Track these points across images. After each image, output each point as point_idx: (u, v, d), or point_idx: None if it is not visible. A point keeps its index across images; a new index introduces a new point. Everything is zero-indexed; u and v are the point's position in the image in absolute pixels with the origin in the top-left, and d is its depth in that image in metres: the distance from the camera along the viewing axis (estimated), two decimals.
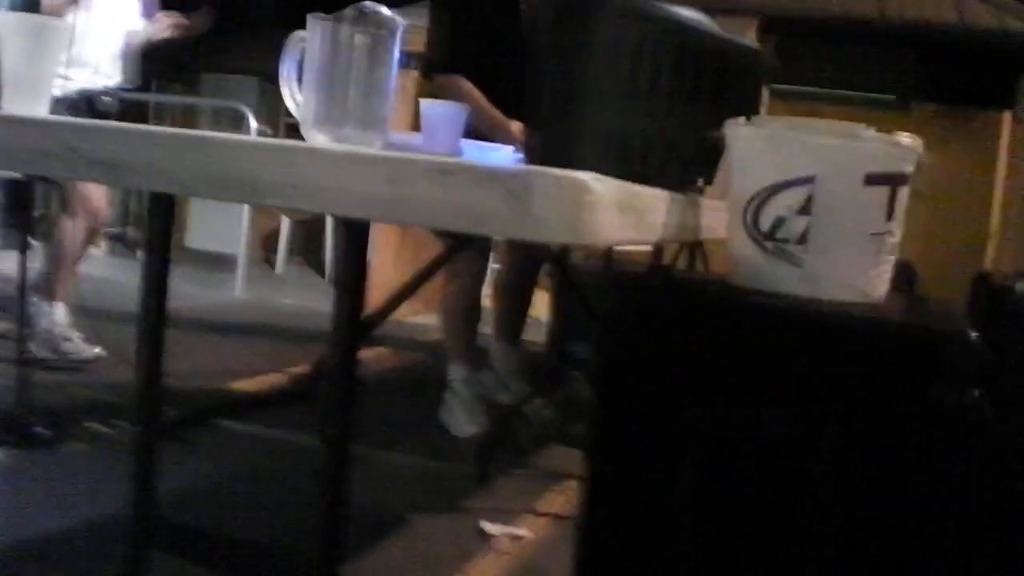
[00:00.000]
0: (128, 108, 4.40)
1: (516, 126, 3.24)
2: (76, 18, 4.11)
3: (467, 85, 3.45)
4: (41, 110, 1.71)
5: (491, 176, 1.14)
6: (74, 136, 1.38)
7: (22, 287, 3.15)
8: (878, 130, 1.66)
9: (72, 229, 4.23)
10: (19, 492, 2.77)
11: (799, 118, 1.71)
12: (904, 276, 3.81)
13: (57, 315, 4.23)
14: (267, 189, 1.24)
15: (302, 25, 1.69)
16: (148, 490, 1.83)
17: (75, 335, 4.20)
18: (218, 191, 1.27)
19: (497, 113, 3.33)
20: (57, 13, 3.94)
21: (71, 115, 3.97)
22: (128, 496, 1.86)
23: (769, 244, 1.65)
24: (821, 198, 1.60)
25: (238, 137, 1.30)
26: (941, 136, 7.71)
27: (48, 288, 4.25)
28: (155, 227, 1.60)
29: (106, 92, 4.25)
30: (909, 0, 8.31)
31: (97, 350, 4.19)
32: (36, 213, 4.29)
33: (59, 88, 4.00)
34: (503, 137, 3.19)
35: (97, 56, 4.23)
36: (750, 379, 1.56)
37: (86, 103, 4.16)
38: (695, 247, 3.88)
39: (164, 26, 4.45)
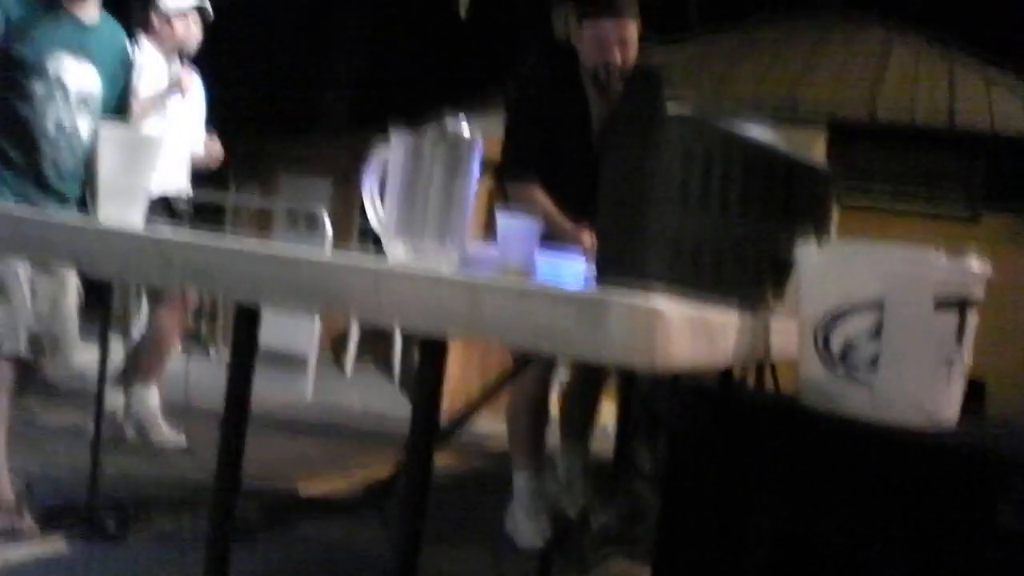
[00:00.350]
0: (203, 209, 4.59)
1: (586, 234, 3.29)
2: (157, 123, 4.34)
3: (538, 194, 3.51)
4: (136, 219, 1.79)
5: (568, 299, 1.18)
6: (169, 248, 1.45)
7: (102, 376, 3.22)
8: (948, 245, 1.68)
9: (167, 316, 4.51)
10: None
11: (867, 243, 1.74)
12: (973, 395, 3.77)
13: (151, 399, 4.42)
14: (354, 304, 1.29)
15: (375, 127, 1.76)
16: None
17: (163, 422, 4.35)
18: (307, 304, 1.33)
19: (566, 222, 3.38)
20: (144, 114, 4.14)
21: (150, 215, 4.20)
22: None
23: (839, 366, 1.66)
24: (891, 322, 1.62)
25: (327, 257, 1.36)
26: (1013, 247, 7.64)
27: (144, 373, 4.48)
28: (240, 336, 1.65)
29: (182, 196, 4.46)
30: (978, 108, 8.31)
31: (182, 439, 4.30)
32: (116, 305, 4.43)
33: None
34: (572, 245, 3.24)
35: (169, 162, 4.39)
36: (816, 496, 1.57)
37: (163, 205, 4.32)
38: (764, 365, 3.88)
39: (211, 156, 4.74)
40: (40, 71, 3.18)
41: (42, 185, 3.23)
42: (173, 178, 4.47)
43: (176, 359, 7.71)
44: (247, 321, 1.60)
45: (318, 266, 1.32)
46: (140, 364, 4.50)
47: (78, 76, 3.27)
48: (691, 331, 1.26)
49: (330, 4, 15.08)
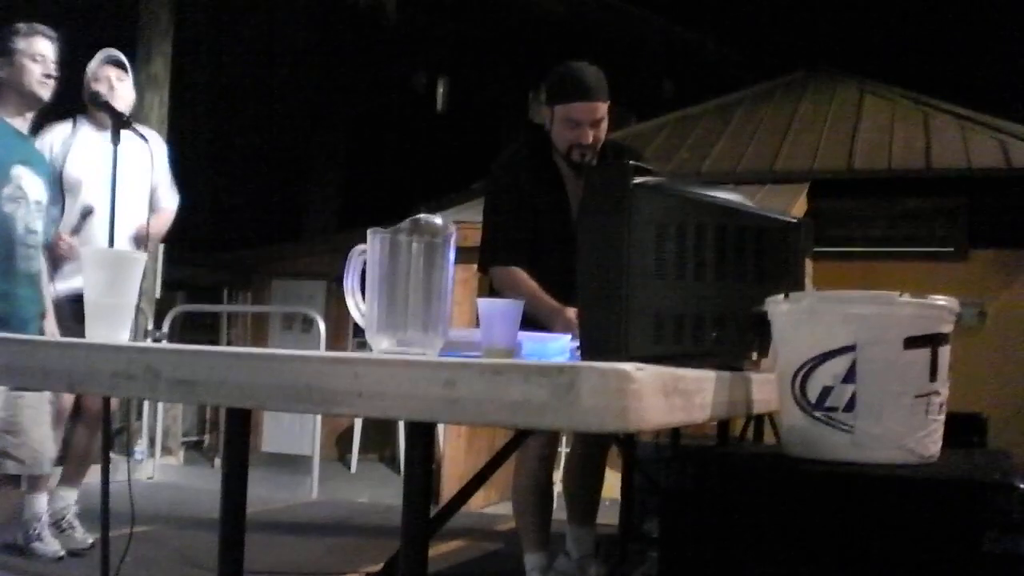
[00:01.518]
0: (199, 318, 4.60)
1: (571, 311, 3.33)
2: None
3: (521, 275, 3.56)
4: (123, 336, 1.83)
5: (540, 371, 1.22)
6: (155, 359, 1.49)
7: (105, 500, 3.25)
8: (939, 283, 1.73)
9: (82, 431, 4.52)
10: None
11: (835, 291, 1.79)
12: (975, 428, 3.80)
13: (69, 500, 4.47)
14: (335, 399, 1.33)
15: (364, 229, 1.81)
16: None
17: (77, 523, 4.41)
18: (290, 404, 1.36)
19: (551, 300, 3.43)
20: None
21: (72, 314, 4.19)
22: None
23: (818, 413, 1.70)
24: (864, 365, 1.66)
25: (305, 353, 1.40)
26: (1003, 280, 7.69)
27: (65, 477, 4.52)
28: (231, 438, 1.69)
29: None
30: (954, 148, 8.43)
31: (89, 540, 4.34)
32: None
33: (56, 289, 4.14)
34: (560, 323, 3.29)
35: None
36: (808, 543, 1.59)
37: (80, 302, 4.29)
38: (761, 419, 3.90)
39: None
40: (6, 177, 3.43)
41: (17, 282, 3.43)
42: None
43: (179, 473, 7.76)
44: (237, 421, 1.64)
45: (299, 363, 1.36)
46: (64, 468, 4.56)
47: (31, 184, 3.52)
48: (664, 391, 1.30)
49: (312, 113, 15.32)
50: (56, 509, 4.43)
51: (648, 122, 10.50)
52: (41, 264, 3.56)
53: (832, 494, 1.62)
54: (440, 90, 14.57)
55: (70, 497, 4.46)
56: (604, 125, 3.62)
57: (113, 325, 1.81)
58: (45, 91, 3.62)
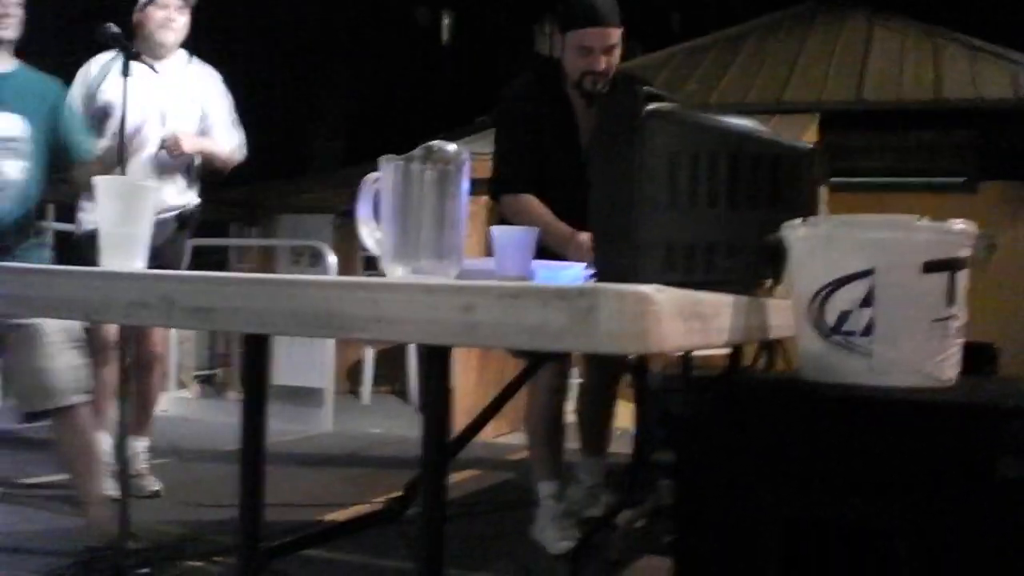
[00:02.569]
0: (206, 253, 4.51)
1: (583, 236, 3.32)
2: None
3: (533, 202, 3.56)
4: (138, 265, 1.83)
5: (558, 295, 1.21)
6: (170, 287, 1.49)
7: (123, 433, 3.28)
8: (948, 215, 1.72)
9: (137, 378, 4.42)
10: None
11: (852, 215, 1.78)
12: (985, 358, 3.81)
13: (137, 449, 4.47)
14: (352, 324, 1.33)
15: (369, 163, 1.80)
16: None
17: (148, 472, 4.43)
18: (307, 329, 1.36)
19: (564, 226, 3.42)
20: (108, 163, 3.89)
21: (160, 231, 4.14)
22: None
23: (836, 338, 1.70)
24: (881, 290, 1.66)
25: (323, 278, 1.40)
26: (1012, 213, 7.66)
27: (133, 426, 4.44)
28: (250, 366, 1.70)
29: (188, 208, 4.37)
30: (964, 80, 8.35)
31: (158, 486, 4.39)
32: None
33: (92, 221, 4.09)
34: (572, 249, 3.28)
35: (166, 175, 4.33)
36: (824, 469, 1.60)
37: (177, 219, 4.29)
38: (774, 346, 3.91)
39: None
40: None
41: None
42: (173, 192, 4.33)
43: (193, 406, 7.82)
44: (256, 348, 1.65)
45: (316, 288, 1.36)
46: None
47: None
48: (681, 314, 1.30)
49: (316, 48, 15.22)
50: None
51: (655, 54, 10.41)
52: (10, 203, 3.44)
53: (849, 419, 1.62)
54: (444, 22, 14.43)
55: (138, 446, 4.49)
56: (617, 53, 3.59)
57: (127, 254, 1.81)
58: (4, 30, 3.47)
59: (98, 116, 4.24)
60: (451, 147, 1.84)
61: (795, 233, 1.81)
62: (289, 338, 8.06)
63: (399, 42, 16.07)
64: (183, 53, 4.49)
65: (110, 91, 4.23)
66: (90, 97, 4.27)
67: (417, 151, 1.78)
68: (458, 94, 13.88)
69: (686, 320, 1.31)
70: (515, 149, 3.66)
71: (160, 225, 3.99)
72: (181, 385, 8.19)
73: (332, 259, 7.32)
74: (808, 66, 9.25)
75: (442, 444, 1.53)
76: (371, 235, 1.85)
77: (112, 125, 4.14)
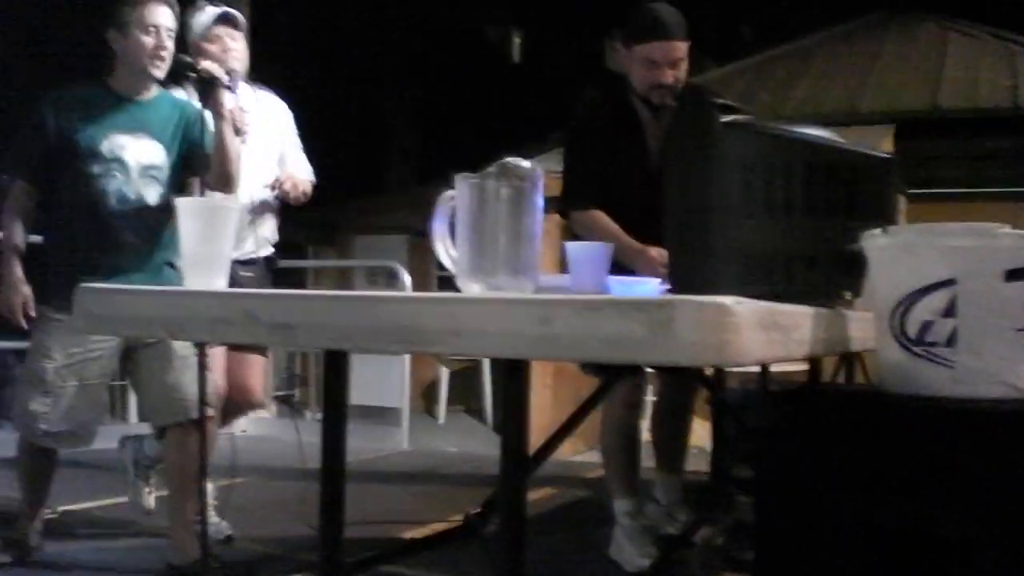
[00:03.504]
0: (283, 274, 4.47)
1: (654, 251, 3.31)
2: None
3: (602, 217, 3.55)
4: (221, 284, 1.86)
5: (636, 307, 1.21)
6: (253, 304, 1.51)
7: (203, 452, 3.32)
8: (1022, 226, 1.69)
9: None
10: None
11: (933, 224, 1.75)
12: None
13: None
14: (431, 339, 1.34)
15: (443, 183, 1.81)
16: None
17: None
18: (387, 344, 1.37)
19: (633, 241, 3.40)
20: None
21: (249, 275, 4.09)
22: None
23: (918, 348, 1.68)
24: (964, 299, 1.63)
25: (402, 294, 1.41)
26: None
27: None
28: (331, 383, 1.71)
29: (244, 263, 4.26)
30: None
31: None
32: None
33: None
34: (642, 264, 3.27)
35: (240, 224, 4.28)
36: (908, 481, 1.57)
37: (264, 265, 4.25)
38: (852, 360, 3.86)
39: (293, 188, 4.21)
40: (95, 153, 3.41)
41: (118, 254, 3.43)
42: (260, 238, 4.14)
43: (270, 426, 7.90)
44: (336, 364, 1.66)
45: (395, 304, 1.37)
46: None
47: (137, 151, 3.48)
48: (761, 325, 1.29)
49: (388, 70, 15.36)
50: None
51: (726, 67, 10.34)
52: (147, 231, 3.50)
53: (933, 430, 1.60)
54: (515, 41, 14.48)
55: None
56: (684, 66, 3.58)
57: (210, 273, 1.84)
58: (158, 70, 3.50)
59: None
60: (525, 164, 1.84)
61: (875, 243, 1.78)
62: (365, 358, 8.13)
63: (470, 62, 16.17)
64: (246, 85, 4.30)
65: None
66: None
67: (492, 168, 1.79)
68: (530, 112, 13.92)
69: (766, 331, 1.30)
70: (582, 164, 3.67)
71: (254, 265, 4.10)
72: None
73: (407, 279, 7.36)
74: (882, 75, 9.12)
75: (521, 458, 1.53)
76: (447, 252, 1.86)
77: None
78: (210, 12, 4.18)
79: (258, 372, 4.25)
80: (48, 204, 3.50)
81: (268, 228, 4.26)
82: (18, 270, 3.44)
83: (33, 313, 3.41)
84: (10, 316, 3.42)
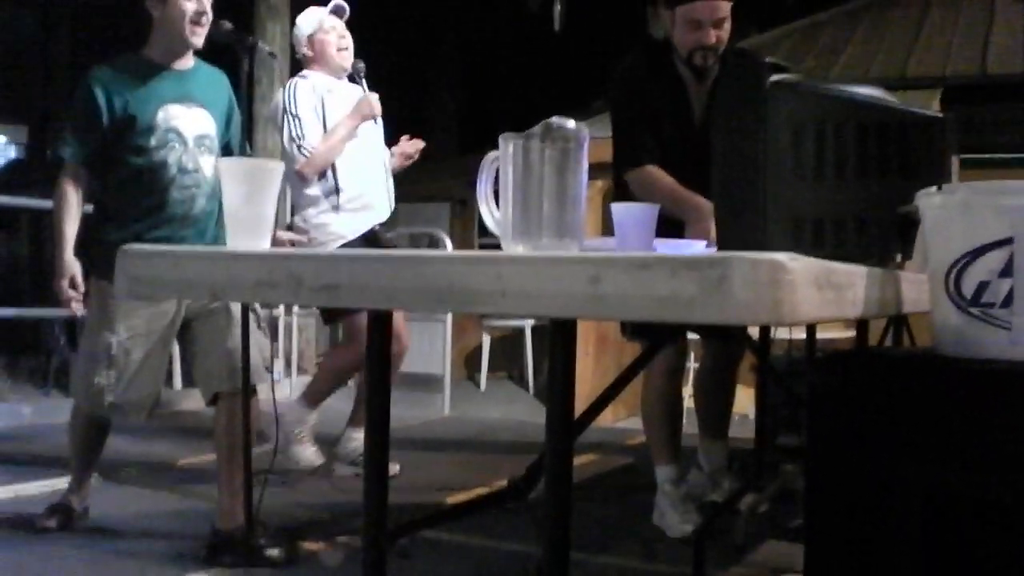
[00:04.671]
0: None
1: (708, 204, 3.26)
2: (345, 156, 4.50)
3: (657, 172, 3.52)
4: (264, 245, 1.85)
5: (688, 264, 1.18)
6: (297, 265, 1.50)
7: (246, 417, 3.34)
8: None
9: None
10: None
11: (990, 181, 1.70)
12: None
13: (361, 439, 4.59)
14: (477, 299, 1.32)
15: (485, 150, 1.79)
16: None
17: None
18: (433, 304, 1.35)
19: (692, 195, 3.35)
20: (334, 151, 4.41)
21: (391, 235, 4.70)
22: None
23: (974, 310, 1.63)
24: (1022, 259, 1.59)
25: (448, 252, 1.39)
26: None
27: (354, 419, 4.77)
28: (376, 344, 1.70)
29: (383, 224, 4.67)
30: None
31: (396, 468, 4.46)
32: None
33: (349, 231, 4.45)
34: (698, 220, 3.23)
35: (372, 192, 4.61)
36: (963, 445, 1.54)
37: (368, 241, 4.54)
38: (900, 325, 3.81)
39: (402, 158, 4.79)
40: (151, 126, 3.39)
41: (179, 225, 3.44)
42: (387, 201, 4.68)
43: None
44: (380, 325, 1.65)
45: (441, 263, 1.35)
46: (354, 411, 4.80)
47: (190, 121, 3.47)
48: (816, 283, 1.25)
49: (429, 38, 15.31)
50: (349, 449, 4.73)
51: (771, 32, 10.22)
52: (206, 200, 3.52)
53: (989, 393, 1.56)
54: (556, 8, 14.37)
55: (358, 436, 4.65)
56: (727, 27, 3.54)
57: (253, 235, 1.83)
58: (197, 38, 3.49)
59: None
60: (570, 124, 1.81)
61: (930, 201, 1.74)
62: (407, 324, 8.13)
63: (512, 30, 16.07)
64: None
65: (335, 115, 4.52)
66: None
67: (536, 128, 1.76)
68: (572, 81, 13.83)
69: (820, 290, 1.27)
70: (633, 123, 3.64)
71: (387, 225, 4.67)
72: (303, 372, 8.33)
73: (449, 246, 7.37)
74: (929, 40, 8.99)
75: (568, 420, 1.51)
76: (491, 214, 1.83)
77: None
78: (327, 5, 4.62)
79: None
80: (103, 179, 3.49)
81: (389, 193, 4.72)
82: (69, 256, 3.43)
83: (81, 291, 3.41)
84: (59, 295, 3.43)
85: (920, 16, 9.59)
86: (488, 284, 1.31)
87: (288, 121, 4.44)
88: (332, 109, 4.52)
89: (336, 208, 4.44)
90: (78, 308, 3.44)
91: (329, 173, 4.45)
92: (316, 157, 4.32)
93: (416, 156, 4.76)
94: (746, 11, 3.65)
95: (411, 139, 4.79)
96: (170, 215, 3.44)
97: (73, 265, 3.41)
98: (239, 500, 3.35)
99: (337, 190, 4.46)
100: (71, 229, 3.43)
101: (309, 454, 4.64)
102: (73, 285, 3.40)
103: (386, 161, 4.68)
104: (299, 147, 4.35)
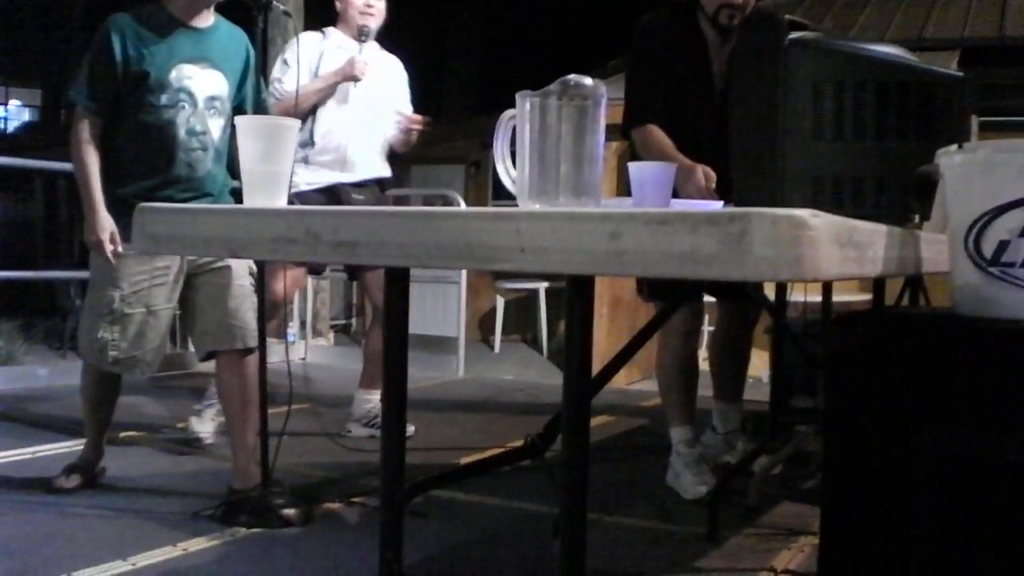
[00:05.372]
0: (378, 202, 4.68)
1: (701, 170, 3.25)
2: (328, 112, 4.51)
3: (656, 133, 3.50)
4: (281, 202, 1.85)
5: (709, 220, 1.18)
6: (315, 222, 1.50)
7: (263, 377, 3.34)
8: None
9: (378, 334, 4.71)
10: (267, 572, 2.92)
11: (1011, 140, 1.69)
12: None
13: (375, 400, 4.75)
14: (496, 255, 1.32)
15: (499, 113, 1.77)
16: (397, 557, 1.91)
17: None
18: (451, 260, 1.35)
19: (683, 158, 3.33)
20: (302, 103, 4.29)
21: (361, 197, 4.57)
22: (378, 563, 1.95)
23: (993, 269, 1.63)
24: None
25: (466, 209, 1.39)
26: None
27: (365, 379, 4.83)
28: (392, 301, 1.70)
29: (357, 185, 4.61)
30: None
31: (411, 429, 4.48)
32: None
33: (305, 183, 4.43)
34: (688, 182, 3.21)
35: (352, 151, 4.59)
36: (982, 406, 1.54)
37: (335, 195, 4.50)
38: (916, 287, 3.80)
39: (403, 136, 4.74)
40: (163, 84, 3.37)
41: (184, 187, 3.43)
42: (359, 169, 4.62)
43: (329, 354, 7.98)
44: (397, 286, 1.65)
45: (459, 219, 1.35)
46: (363, 373, 4.86)
47: (202, 81, 3.45)
48: (837, 240, 1.25)
49: (445, 1, 15.24)
50: (363, 411, 4.79)
51: None
52: (212, 163, 3.53)
53: (1009, 354, 1.55)
54: None
55: (373, 398, 4.74)
56: None
57: (270, 192, 1.83)
58: None
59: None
60: (588, 81, 1.79)
61: (951, 160, 1.73)
62: (422, 288, 8.15)
63: None
64: (375, 43, 4.76)
65: (327, 70, 4.54)
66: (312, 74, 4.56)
67: (553, 86, 1.75)
68: (588, 42, 13.76)
69: (841, 248, 1.26)
70: (645, 81, 3.61)
71: (365, 188, 4.59)
72: (317, 334, 8.36)
73: (463, 206, 7.36)
74: (947, 2, 8.91)
75: (585, 379, 1.51)
76: (507, 172, 1.82)
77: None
78: None
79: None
80: (111, 132, 3.47)
81: (379, 156, 4.69)
82: (104, 211, 3.39)
83: (120, 248, 3.39)
84: (98, 249, 3.39)
85: None
86: (507, 240, 1.30)
87: (278, 65, 4.53)
88: (328, 65, 4.54)
89: (305, 161, 4.45)
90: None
91: (307, 125, 4.46)
92: (284, 101, 4.28)
93: (412, 134, 4.72)
94: None
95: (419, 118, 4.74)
96: (175, 176, 3.43)
97: (109, 220, 3.39)
98: (254, 459, 3.37)
99: (311, 143, 4.48)
100: (99, 182, 3.41)
101: None
102: (113, 240, 3.38)
103: (387, 126, 4.67)
104: (274, 89, 4.35)
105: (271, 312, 4.10)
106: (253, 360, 3.42)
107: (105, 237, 3.35)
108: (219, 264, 3.48)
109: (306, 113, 4.45)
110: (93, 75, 3.40)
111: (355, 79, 4.49)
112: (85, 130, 3.40)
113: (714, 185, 3.21)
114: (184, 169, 3.44)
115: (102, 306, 3.43)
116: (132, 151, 3.43)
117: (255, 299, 3.46)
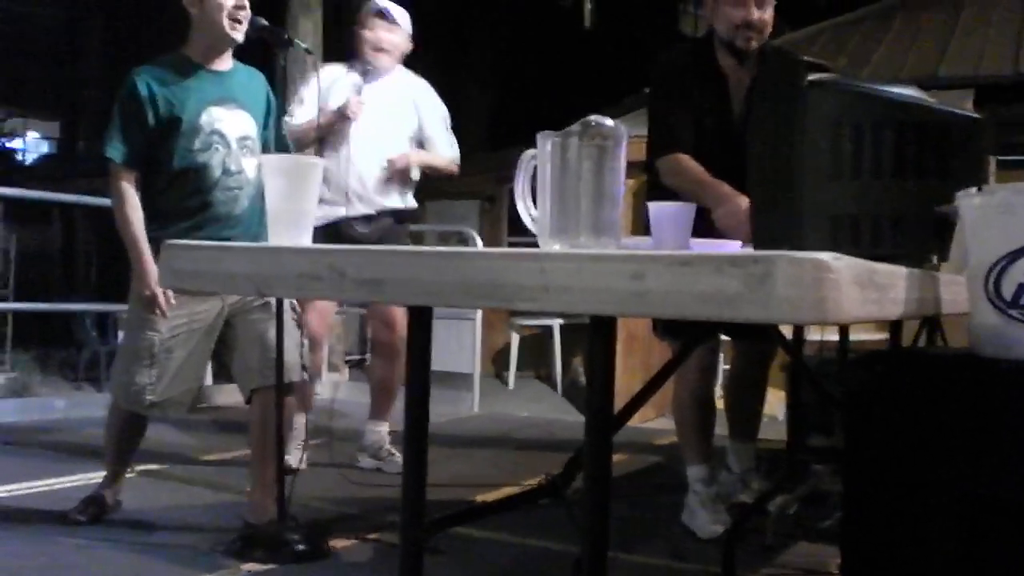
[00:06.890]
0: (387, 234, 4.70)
1: (743, 201, 3.24)
2: (329, 148, 4.56)
3: (687, 160, 3.51)
4: (305, 240, 1.87)
5: (732, 262, 1.19)
6: (340, 259, 1.51)
7: (279, 411, 3.35)
8: None
9: (382, 367, 4.91)
10: None
11: None
12: None
13: (382, 432, 4.83)
14: (520, 294, 1.33)
15: (515, 148, 1.79)
16: None
17: (396, 451, 4.61)
18: (477, 300, 1.36)
19: (721, 185, 3.33)
20: (303, 140, 4.31)
21: (365, 231, 4.63)
22: None
23: (1014, 311, 1.63)
24: None
25: (490, 249, 1.40)
26: None
27: (373, 410, 4.89)
28: (416, 339, 1.71)
29: (363, 218, 4.66)
30: None
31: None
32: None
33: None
34: (723, 213, 3.21)
35: (354, 186, 4.63)
36: (1002, 447, 1.54)
37: (335, 231, 4.50)
38: (933, 328, 3.79)
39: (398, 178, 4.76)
40: (195, 128, 3.40)
41: (222, 225, 3.46)
42: (379, 196, 4.67)
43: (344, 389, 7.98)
44: (421, 323, 1.66)
45: (483, 259, 1.36)
46: (371, 404, 4.93)
47: (232, 123, 3.48)
48: (859, 283, 1.25)
49: (459, 34, 15.33)
50: (370, 443, 4.85)
51: (802, 30, 10.19)
52: (249, 200, 3.55)
53: None
54: (587, 6, 14.37)
55: (380, 430, 4.84)
56: (770, 11, 3.54)
57: (295, 230, 1.85)
58: (236, 33, 3.49)
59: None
60: (608, 122, 1.81)
61: (970, 202, 1.73)
62: (438, 324, 8.13)
63: (542, 27, 16.07)
64: (396, 72, 4.84)
65: (332, 103, 4.58)
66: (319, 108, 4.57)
67: (575, 126, 1.77)
68: (602, 77, 13.82)
69: (862, 289, 1.27)
70: (669, 112, 3.63)
71: (376, 220, 4.66)
72: (333, 369, 8.37)
73: (479, 244, 7.38)
74: (962, 40, 8.93)
75: (607, 417, 1.51)
76: (528, 212, 1.84)
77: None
78: (372, 3, 4.71)
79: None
80: (147, 180, 3.50)
81: (390, 188, 4.72)
82: (151, 258, 3.37)
83: (175, 301, 3.41)
84: (152, 304, 3.40)
85: (952, 16, 9.53)
86: (531, 279, 1.32)
87: (294, 101, 4.62)
88: (333, 101, 4.60)
89: None
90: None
91: None
92: (290, 134, 4.32)
93: (406, 178, 4.77)
94: (779, 8, 3.64)
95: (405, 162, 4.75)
96: (214, 215, 3.46)
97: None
98: (271, 494, 3.37)
99: None
100: (145, 236, 3.42)
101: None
102: (165, 295, 3.39)
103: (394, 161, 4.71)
104: (284, 123, 4.39)
105: (313, 349, 4.15)
106: (290, 398, 3.43)
107: (159, 292, 3.37)
108: (258, 303, 3.51)
109: (312, 148, 4.51)
110: (125, 126, 3.43)
111: (348, 119, 4.55)
112: (125, 185, 3.43)
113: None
114: (223, 208, 3.48)
115: (140, 350, 3.44)
116: (171, 196, 3.46)
117: (298, 335, 3.49)
